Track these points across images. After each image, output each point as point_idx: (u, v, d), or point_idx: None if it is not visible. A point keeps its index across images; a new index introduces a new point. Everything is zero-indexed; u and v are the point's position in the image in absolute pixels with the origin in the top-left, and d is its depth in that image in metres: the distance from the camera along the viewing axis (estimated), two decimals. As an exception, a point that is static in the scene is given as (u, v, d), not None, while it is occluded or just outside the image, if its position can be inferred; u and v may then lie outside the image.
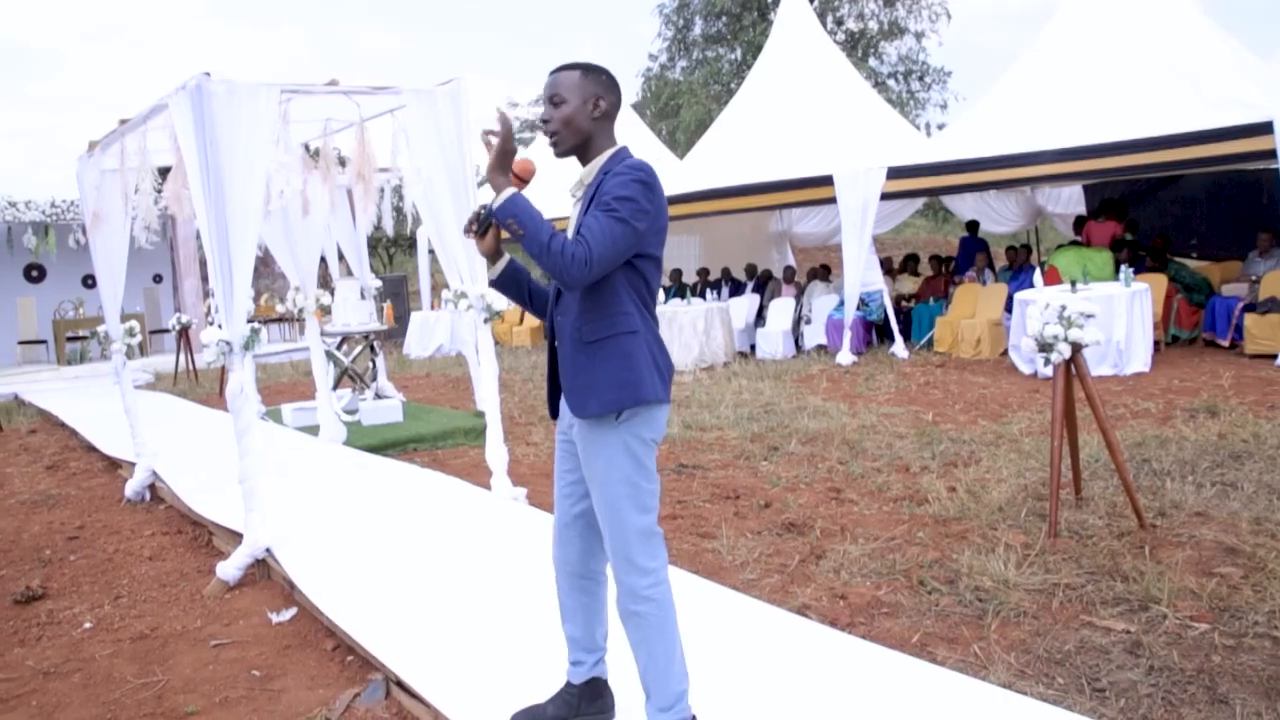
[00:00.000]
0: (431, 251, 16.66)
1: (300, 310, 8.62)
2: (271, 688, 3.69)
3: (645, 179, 2.56)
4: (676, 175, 15.56)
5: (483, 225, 2.65)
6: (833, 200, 12.06)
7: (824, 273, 14.23)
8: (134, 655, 4.13)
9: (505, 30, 78.31)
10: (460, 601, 4.13)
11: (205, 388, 13.73)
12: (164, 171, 6.22)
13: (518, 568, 4.40)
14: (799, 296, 13.85)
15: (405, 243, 27.80)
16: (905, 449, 6.90)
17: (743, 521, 5.41)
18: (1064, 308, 4.70)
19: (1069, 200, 15.04)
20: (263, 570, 4.99)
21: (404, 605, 4.13)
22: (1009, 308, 11.06)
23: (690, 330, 12.39)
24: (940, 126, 28.49)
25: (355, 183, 6.81)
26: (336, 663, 3.88)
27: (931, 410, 8.33)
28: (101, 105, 70.05)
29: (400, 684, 3.46)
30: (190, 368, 15.07)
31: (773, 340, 13.20)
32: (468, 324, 6.57)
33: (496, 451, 5.95)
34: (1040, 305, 4.80)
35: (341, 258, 10.29)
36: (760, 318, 14.18)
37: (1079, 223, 13.21)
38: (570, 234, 2.60)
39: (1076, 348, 4.75)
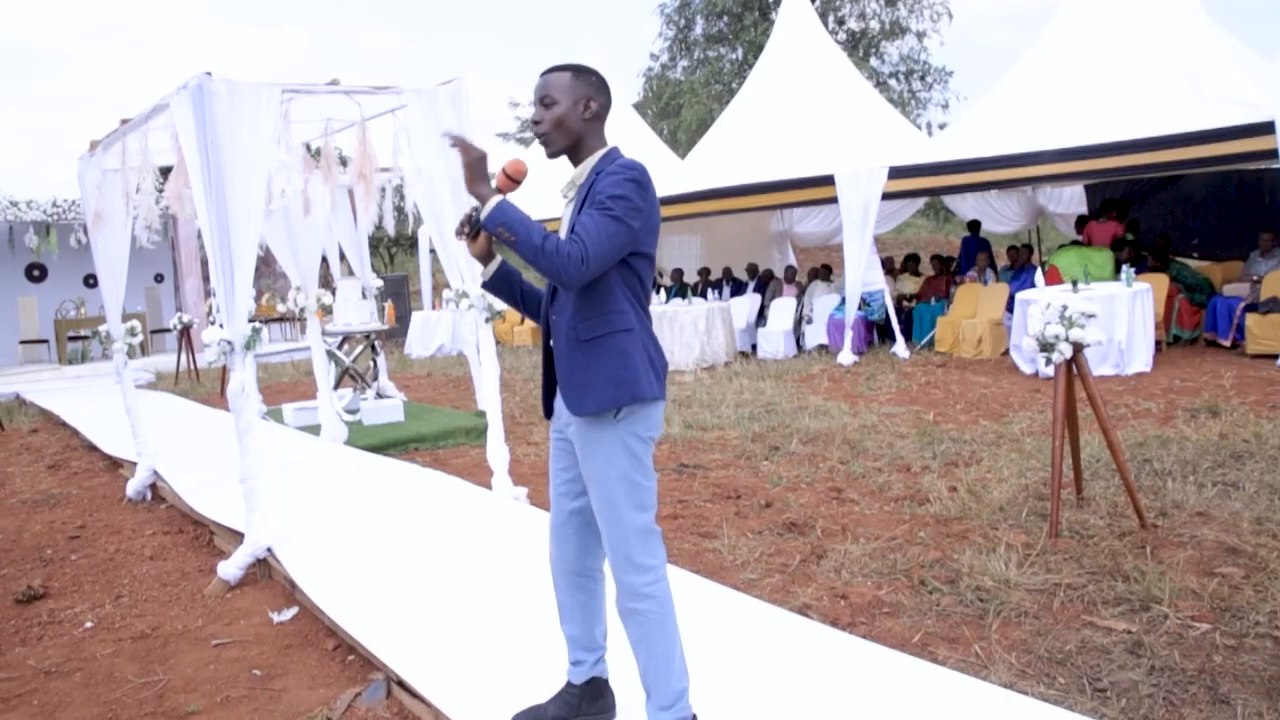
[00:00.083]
0: (433, 251, 16.66)
1: (301, 310, 8.63)
2: (272, 687, 3.69)
3: (638, 178, 2.56)
4: (678, 175, 15.58)
5: (474, 227, 2.66)
6: (834, 200, 12.06)
7: (825, 272, 14.22)
8: (135, 654, 4.13)
9: (506, 30, 78.38)
10: (461, 601, 4.13)
11: (206, 387, 13.73)
12: (165, 171, 6.23)
13: (519, 567, 4.40)
14: (800, 296, 13.85)
15: (406, 242, 27.79)
16: (906, 449, 6.90)
17: (744, 521, 5.41)
18: (1065, 307, 4.69)
19: (1070, 200, 15.03)
20: (264, 570, 4.99)
21: (405, 605, 4.13)
22: (1010, 307, 11.05)
23: (691, 330, 12.39)
24: (942, 126, 28.49)
25: (356, 182, 6.82)
26: (337, 662, 3.88)
27: (933, 410, 8.33)
28: (103, 105, 70.17)
29: (401, 684, 3.46)
30: (191, 367, 15.07)
31: (774, 340, 13.20)
32: (469, 323, 6.58)
33: (497, 451, 5.95)
34: (1042, 305, 4.79)
35: (343, 257, 10.30)
36: (761, 317, 14.18)
37: (1080, 222, 13.20)
38: (563, 234, 2.62)
39: (1078, 347, 4.75)
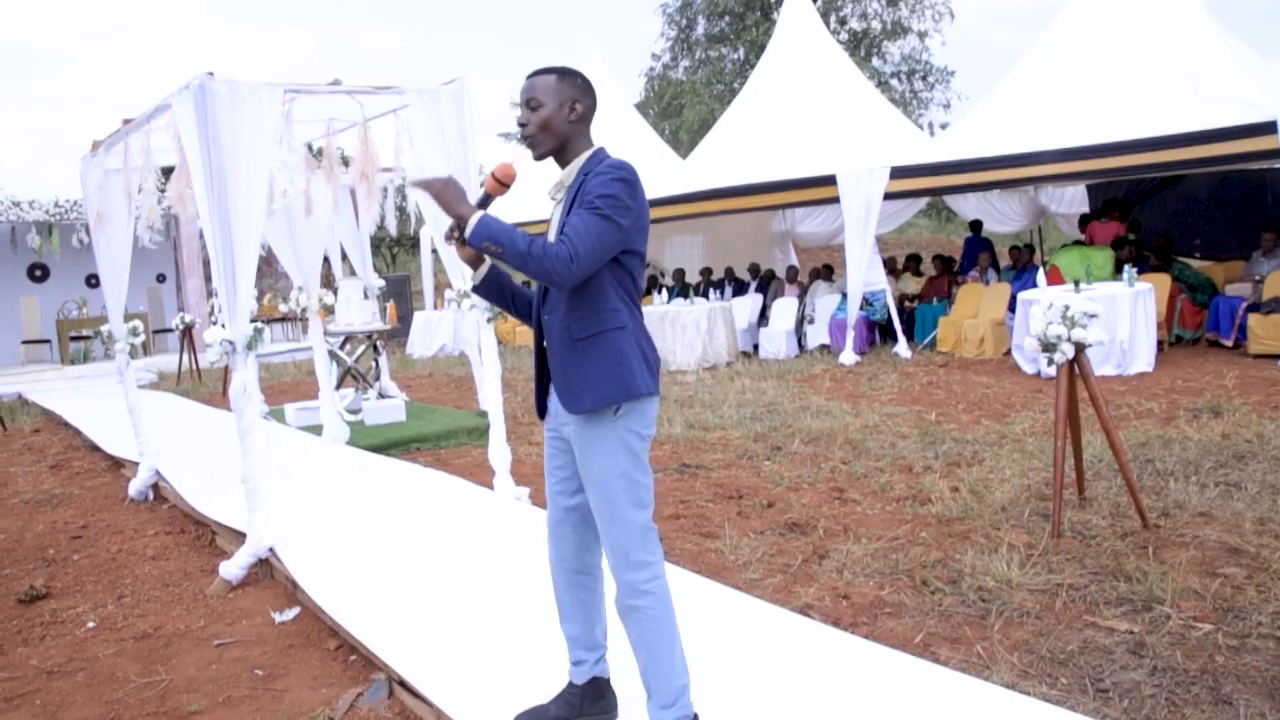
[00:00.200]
0: (435, 251, 16.67)
1: (303, 310, 8.63)
2: (274, 687, 3.69)
3: (627, 177, 2.58)
4: (680, 175, 15.58)
5: (463, 232, 2.66)
6: (836, 200, 12.05)
7: (827, 272, 14.22)
8: (137, 654, 4.13)
9: (508, 30, 78.44)
10: (463, 601, 4.13)
11: (208, 387, 13.74)
12: (167, 171, 6.23)
13: (521, 567, 4.40)
14: (802, 296, 13.85)
15: (408, 242, 27.81)
16: (908, 449, 6.90)
17: (745, 521, 5.41)
18: (1067, 307, 4.69)
19: (1072, 200, 15.02)
20: (265, 570, 4.99)
21: (407, 605, 4.14)
22: (1012, 307, 11.05)
23: (693, 330, 12.39)
24: (943, 126, 28.48)
25: (358, 182, 6.82)
26: (339, 662, 3.88)
27: (934, 410, 8.33)
28: (104, 105, 70.25)
29: (403, 684, 3.46)
30: (193, 367, 15.08)
31: (776, 340, 13.20)
32: (471, 324, 6.58)
33: (499, 451, 5.95)
34: (1044, 305, 4.79)
35: (345, 257, 10.30)
36: (763, 317, 14.18)
37: (1084, 221, 13.20)
38: (552, 235, 2.64)
39: (1080, 348, 4.75)
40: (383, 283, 10.84)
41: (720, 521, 5.39)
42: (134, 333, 7.25)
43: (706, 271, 16.06)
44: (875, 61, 30.68)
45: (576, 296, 2.62)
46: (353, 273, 10.27)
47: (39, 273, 19.59)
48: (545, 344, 2.76)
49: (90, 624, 4.56)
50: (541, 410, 2.88)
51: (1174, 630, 3.59)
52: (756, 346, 13.70)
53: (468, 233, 2.51)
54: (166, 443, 7.60)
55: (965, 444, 6.90)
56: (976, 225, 14.94)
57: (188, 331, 14.83)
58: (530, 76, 2.69)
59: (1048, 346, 4.77)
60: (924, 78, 31.58)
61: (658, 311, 12.74)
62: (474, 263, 2.77)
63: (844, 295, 12.67)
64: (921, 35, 31.40)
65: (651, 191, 14.65)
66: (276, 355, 17.76)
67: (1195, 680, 3.20)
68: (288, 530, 5.20)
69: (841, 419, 8.09)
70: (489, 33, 78.63)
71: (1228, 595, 3.86)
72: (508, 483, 5.92)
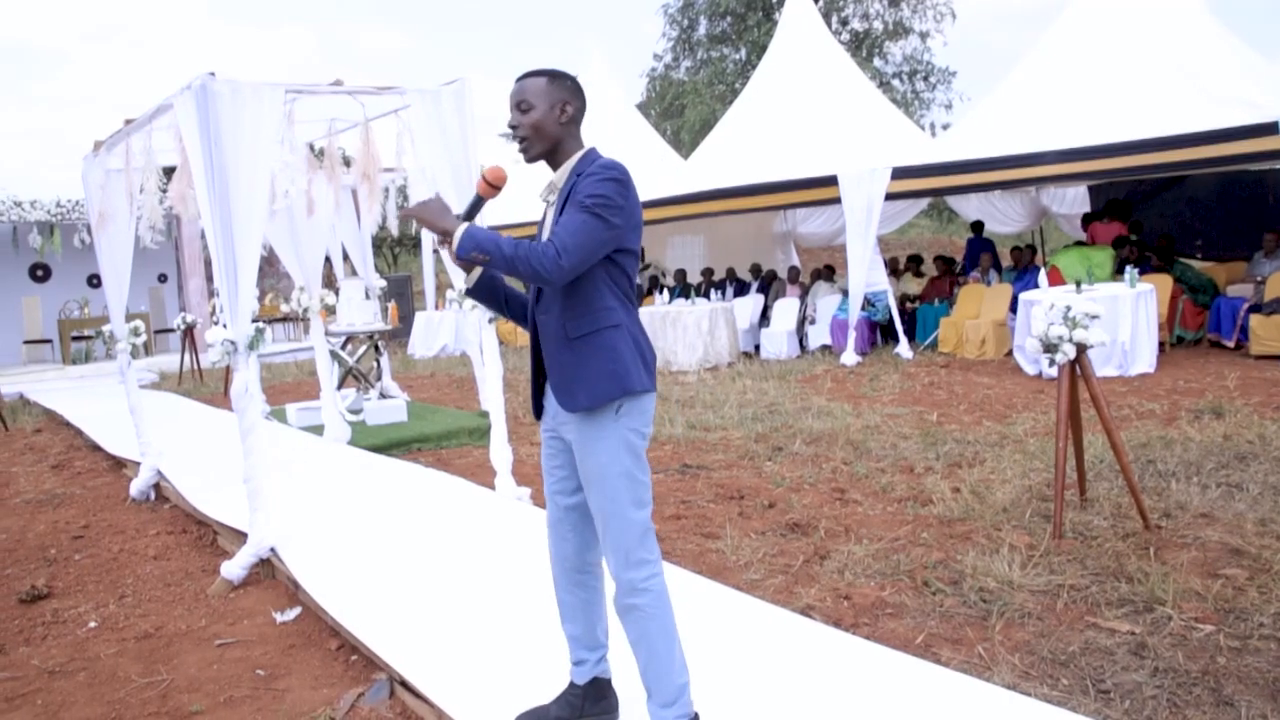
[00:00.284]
0: (436, 251, 16.67)
1: (305, 310, 8.64)
2: (276, 687, 3.69)
3: (618, 176, 2.59)
4: (681, 175, 15.59)
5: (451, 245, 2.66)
6: (837, 200, 12.05)
7: (828, 273, 14.22)
8: (139, 654, 4.13)
9: (510, 30, 78.47)
10: (464, 601, 4.13)
11: (210, 387, 13.75)
12: (169, 171, 6.23)
13: (522, 568, 4.40)
14: (803, 297, 13.85)
15: (410, 242, 27.83)
16: (910, 450, 6.90)
17: (747, 522, 5.41)
18: (1069, 308, 4.69)
19: (1074, 201, 15.02)
20: (267, 570, 5.00)
21: (408, 605, 4.14)
22: (1013, 308, 11.04)
23: (695, 330, 12.38)
24: (945, 127, 28.47)
25: (360, 182, 6.82)
26: (341, 662, 3.88)
27: (936, 411, 8.32)
28: (104, 105, 70.31)
29: (404, 684, 3.46)
30: (195, 367, 15.09)
31: (777, 340, 13.19)
32: (472, 324, 6.58)
33: (501, 451, 5.96)
34: (1045, 306, 4.79)
35: (346, 257, 10.31)
36: (765, 318, 14.17)
37: (1086, 220, 13.19)
38: (545, 237, 2.64)
39: (1081, 348, 4.75)
40: (384, 283, 10.85)
41: (721, 522, 5.39)
42: (135, 333, 7.26)
43: (708, 272, 16.06)
44: (877, 62, 30.69)
45: (571, 295, 2.63)
46: (354, 273, 10.28)
47: (41, 273, 19.61)
48: (540, 344, 2.78)
49: (92, 624, 4.56)
50: (538, 410, 2.89)
51: (1175, 631, 3.59)
52: (758, 347, 13.70)
53: (454, 246, 2.52)
54: (168, 443, 7.60)
55: (967, 445, 6.90)
56: (978, 226, 14.93)
57: (189, 331, 14.84)
58: (520, 79, 2.70)
59: (1049, 347, 4.77)
60: (925, 78, 31.59)
61: (659, 312, 12.74)
62: (467, 268, 2.78)
63: (845, 295, 12.67)
64: (923, 36, 31.43)
65: (653, 192, 14.72)
66: (278, 355, 17.77)
67: (1197, 681, 3.20)
68: (289, 530, 5.20)
69: (843, 420, 8.09)
70: (489, 33, 78.80)
71: (1229, 596, 3.86)
72: (509, 483, 5.92)
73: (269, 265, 17.32)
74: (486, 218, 5.75)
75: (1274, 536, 4.50)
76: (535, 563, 4.26)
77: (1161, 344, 10.04)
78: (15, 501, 7.39)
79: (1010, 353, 10.95)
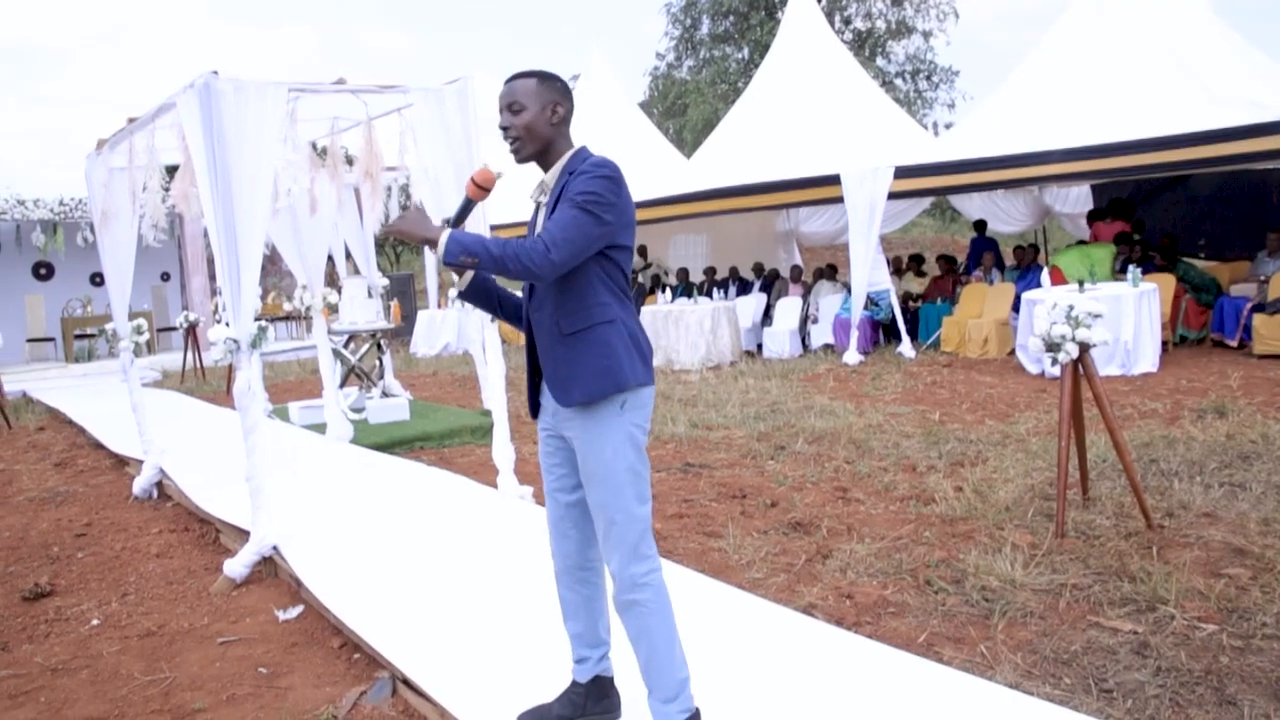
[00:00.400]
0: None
1: (307, 308, 8.64)
2: (278, 685, 3.69)
3: (610, 174, 2.61)
4: (684, 174, 15.58)
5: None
6: (840, 200, 12.04)
7: (831, 272, 14.21)
8: (141, 652, 4.14)
9: (512, 29, 78.48)
10: (467, 600, 4.14)
11: (213, 385, 13.76)
12: (172, 170, 6.24)
13: (524, 566, 4.40)
14: (806, 296, 13.84)
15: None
16: (912, 448, 6.89)
17: (749, 520, 5.41)
18: (1071, 307, 4.68)
19: (1077, 200, 15.00)
20: (270, 568, 5.00)
21: (411, 603, 4.14)
22: (1016, 307, 11.03)
23: (697, 329, 12.38)
24: (948, 126, 28.45)
25: (362, 181, 6.83)
26: (343, 660, 3.88)
27: (938, 410, 8.32)
28: (107, 104, 70.38)
29: (407, 682, 3.46)
30: (198, 365, 15.10)
31: (779, 339, 13.19)
32: (474, 322, 6.58)
33: (503, 450, 5.96)
34: (1048, 305, 4.79)
35: (349, 256, 10.30)
36: (767, 317, 14.16)
37: (1093, 217, 13.19)
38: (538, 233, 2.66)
39: (1084, 347, 4.74)
40: (387, 281, 10.85)
41: (724, 521, 5.39)
42: (138, 331, 7.26)
43: (710, 271, 16.06)
44: (880, 61, 30.68)
45: (565, 292, 2.65)
46: (357, 271, 10.28)
47: (44, 271, 19.62)
48: (535, 341, 2.79)
49: (94, 621, 4.57)
50: (535, 409, 2.90)
51: (1178, 631, 3.58)
52: (760, 346, 13.69)
53: (440, 253, 2.53)
54: (171, 441, 7.60)
55: (969, 444, 6.90)
56: (981, 225, 14.92)
57: (192, 330, 14.85)
58: (509, 81, 2.72)
59: (1052, 346, 4.76)
60: (928, 77, 31.59)
61: (662, 311, 12.74)
62: (458, 271, 2.78)
63: (848, 294, 12.66)
64: (926, 35, 31.42)
65: (656, 191, 14.70)
66: (280, 354, 17.78)
67: (1199, 681, 3.20)
68: (291, 528, 5.20)
69: (845, 418, 8.08)
70: (491, 33, 78.79)
71: (1232, 596, 3.85)
72: (511, 481, 5.92)
73: (271, 264, 17.32)
74: (481, 217, 5.76)
75: (1277, 536, 4.50)
76: (537, 561, 4.26)
77: (1164, 343, 10.03)
78: (18, 499, 7.40)
79: (1013, 352, 10.94)
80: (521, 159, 2.74)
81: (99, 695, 3.74)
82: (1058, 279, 10.71)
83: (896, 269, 14.21)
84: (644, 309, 13.33)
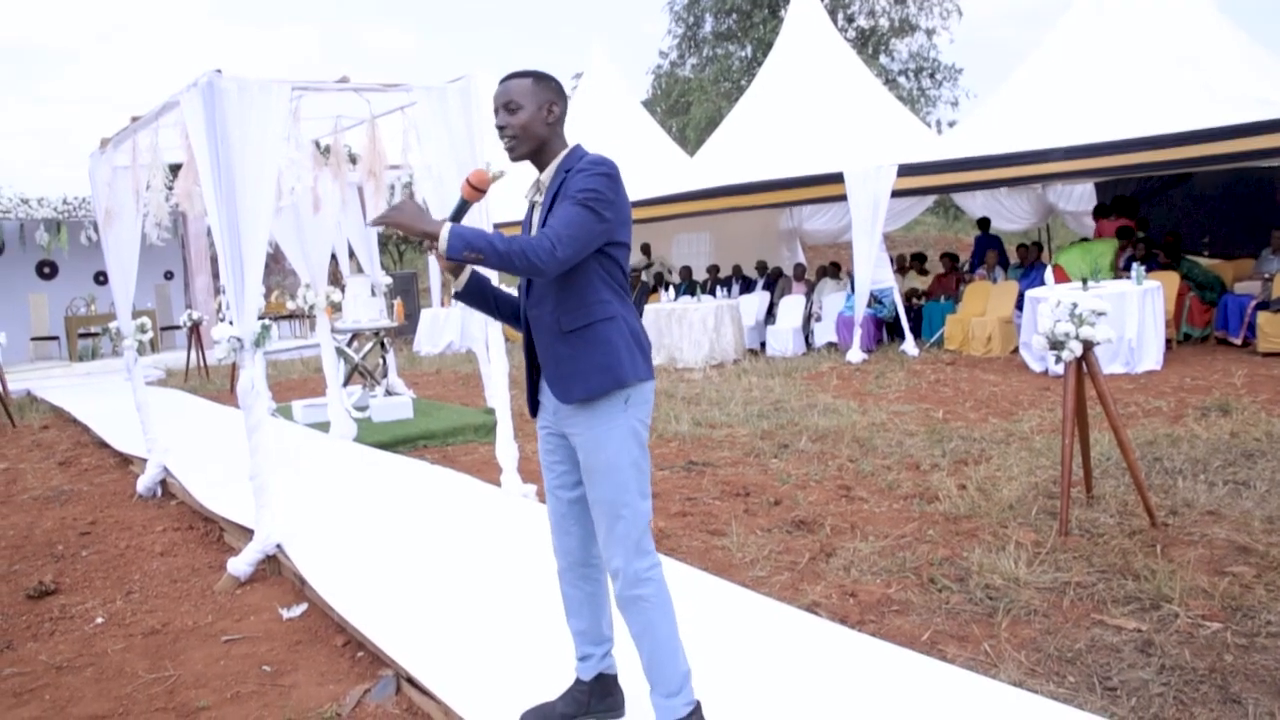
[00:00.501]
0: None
1: (311, 307, 8.64)
2: (282, 683, 3.70)
3: (608, 171, 2.64)
4: (687, 172, 15.57)
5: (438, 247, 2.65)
6: (843, 198, 12.03)
7: (834, 270, 14.20)
8: (145, 650, 4.15)
9: (513, 29, 78.49)
10: (471, 598, 4.14)
11: (216, 384, 13.77)
12: (175, 168, 6.24)
13: (528, 564, 4.40)
14: (809, 294, 13.83)
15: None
16: (915, 447, 6.89)
17: (753, 519, 5.40)
18: (1075, 305, 4.68)
19: (1080, 198, 14.97)
20: (273, 566, 5.01)
21: (414, 602, 4.14)
22: (1020, 305, 11.02)
23: (700, 327, 12.38)
24: (951, 124, 28.39)
25: (366, 180, 6.82)
26: (347, 659, 3.89)
27: (942, 408, 8.31)
28: (109, 104, 70.44)
29: (411, 680, 3.46)
30: (201, 364, 15.12)
31: (783, 337, 13.18)
32: (478, 321, 6.58)
33: (507, 448, 5.96)
34: (1052, 303, 4.78)
35: (352, 254, 10.32)
36: (770, 315, 14.16)
37: (1098, 213, 13.18)
38: (533, 234, 2.66)
39: (1088, 345, 4.73)
40: (390, 280, 10.86)
41: (727, 519, 5.39)
42: (142, 329, 7.27)
43: (714, 269, 16.05)
44: (883, 59, 30.61)
45: (565, 289, 2.66)
46: (360, 270, 10.29)
47: (48, 270, 19.65)
48: (534, 338, 2.79)
49: (99, 620, 4.58)
50: (534, 407, 2.90)
51: (1182, 629, 3.58)
52: (764, 344, 13.69)
53: (443, 247, 2.50)
54: (174, 439, 7.61)
55: (973, 442, 6.89)
56: (985, 223, 14.91)
57: (195, 328, 14.86)
58: (504, 81, 2.73)
59: (1056, 344, 4.76)
60: (932, 75, 31.51)
61: (665, 309, 12.74)
62: (455, 271, 2.78)
63: (851, 292, 12.65)
64: (929, 33, 31.33)
65: (659, 189, 14.68)
66: (284, 352, 17.79)
67: (1204, 679, 3.20)
68: (295, 527, 5.21)
69: (849, 417, 8.08)
70: (493, 32, 78.78)
71: (1236, 594, 3.85)
72: (515, 480, 5.93)
73: (275, 262, 17.30)
74: (484, 215, 5.76)
75: (1281, 534, 4.49)
76: (541, 559, 4.26)
77: (1168, 341, 10.02)
78: (23, 498, 7.42)
79: (1016, 350, 10.93)
80: (516, 157, 2.75)
81: (103, 693, 3.74)
82: (1061, 277, 10.69)
83: (900, 267, 14.19)
84: (647, 307, 13.33)
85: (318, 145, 7.79)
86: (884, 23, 31.43)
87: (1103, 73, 11.31)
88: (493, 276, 4.17)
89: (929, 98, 31.45)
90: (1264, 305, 9.96)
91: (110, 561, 5.54)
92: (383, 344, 10.05)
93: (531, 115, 2.69)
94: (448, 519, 5.44)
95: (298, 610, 4.45)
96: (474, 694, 3.21)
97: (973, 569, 4.32)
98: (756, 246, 16.60)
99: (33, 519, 6.72)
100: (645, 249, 17.10)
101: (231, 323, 5.09)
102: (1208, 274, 11.21)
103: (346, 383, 9.67)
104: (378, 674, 3.65)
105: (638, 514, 2.69)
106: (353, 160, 7.76)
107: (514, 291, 2.96)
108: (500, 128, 2.71)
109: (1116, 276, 11.15)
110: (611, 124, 17.07)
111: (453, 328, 16.85)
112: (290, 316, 20.03)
